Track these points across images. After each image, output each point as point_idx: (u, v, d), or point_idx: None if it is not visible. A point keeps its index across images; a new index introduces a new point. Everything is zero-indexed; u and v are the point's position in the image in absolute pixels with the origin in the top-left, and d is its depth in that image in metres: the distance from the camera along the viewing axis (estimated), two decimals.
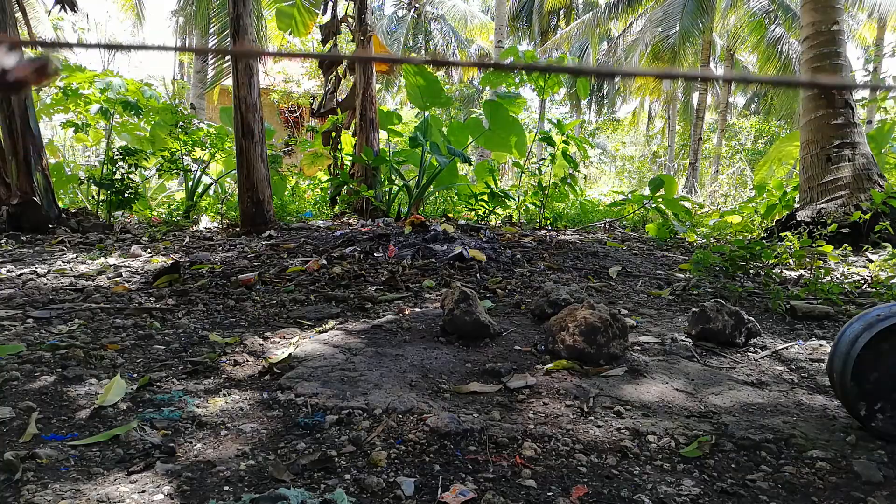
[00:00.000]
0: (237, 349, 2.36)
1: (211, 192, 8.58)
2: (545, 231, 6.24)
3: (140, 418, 1.69)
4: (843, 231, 5.17)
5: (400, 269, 3.92)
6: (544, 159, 8.00)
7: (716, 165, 21.67)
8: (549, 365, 2.17)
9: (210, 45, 11.27)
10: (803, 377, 2.21)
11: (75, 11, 7.48)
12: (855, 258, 4.85)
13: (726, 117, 23.27)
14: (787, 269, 4.33)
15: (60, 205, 6.74)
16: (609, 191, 12.61)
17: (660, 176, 7.00)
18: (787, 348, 2.54)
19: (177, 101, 9.80)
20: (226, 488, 1.35)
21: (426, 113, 7.67)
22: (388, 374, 2.07)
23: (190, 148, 7.80)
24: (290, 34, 8.73)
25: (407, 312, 2.94)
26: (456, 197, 8.61)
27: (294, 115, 18.31)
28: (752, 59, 20.61)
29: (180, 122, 7.63)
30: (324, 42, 8.40)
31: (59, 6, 7.29)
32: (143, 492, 1.31)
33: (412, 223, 4.87)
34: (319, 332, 2.61)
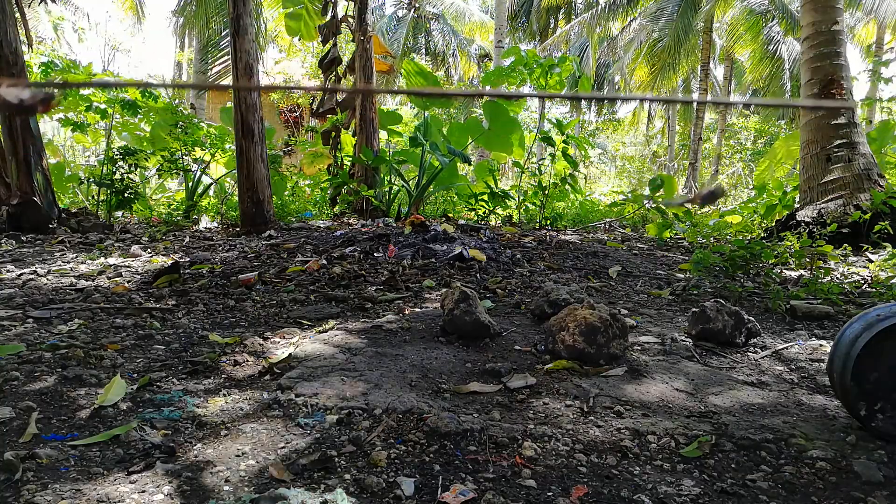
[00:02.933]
0: (237, 349, 2.36)
1: (211, 192, 8.58)
2: (545, 231, 6.24)
3: (140, 418, 1.69)
4: (843, 231, 5.17)
5: (400, 269, 3.92)
6: (544, 159, 8.00)
7: (716, 165, 21.68)
8: (549, 365, 2.17)
9: (209, 45, 11.27)
10: (803, 377, 2.21)
11: (52, 1, 7.46)
12: (855, 258, 4.85)
13: (726, 117, 23.28)
14: (787, 269, 4.33)
15: (60, 205, 6.74)
16: (609, 191, 12.62)
17: (660, 176, 7.00)
18: (787, 348, 2.54)
19: (177, 101, 9.80)
20: (226, 488, 1.35)
21: (426, 113, 7.67)
22: (388, 374, 2.07)
23: (190, 148, 7.80)
24: (298, 39, 8.72)
25: (407, 312, 2.94)
26: (456, 197, 8.61)
27: (294, 115, 18.31)
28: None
29: (180, 122, 7.63)
30: (324, 42, 8.40)
31: None
32: (143, 492, 1.31)
33: (412, 223, 4.87)
34: (319, 332, 2.61)
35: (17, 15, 6.31)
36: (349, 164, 7.97)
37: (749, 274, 4.00)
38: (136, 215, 7.84)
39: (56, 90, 0.60)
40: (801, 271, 4.22)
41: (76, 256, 4.54)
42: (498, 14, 16.68)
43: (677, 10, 17.40)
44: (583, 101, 25.94)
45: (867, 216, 5.09)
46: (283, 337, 2.55)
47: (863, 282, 3.90)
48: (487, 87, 8.27)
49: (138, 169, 7.43)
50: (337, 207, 7.87)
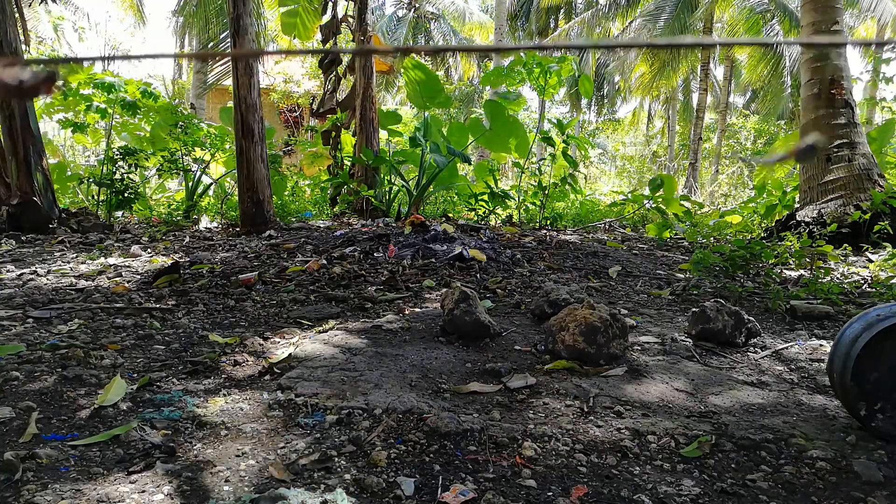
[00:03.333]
0: (237, 349, 2.36)
1: (211, 192, 8.58)
2: (545, 231, 6.25)
3: (140, 418, 1.69)
4: (843, 231, 5.17)
5: (400, 269, 3.92)
6: (544, 159, 8.01)
7: (716, 165, 21.68)
8: (549, 365, 2.17)
9: (210, 46, 11.27)
10: (803, 377, 2.21)
11: (52, 1, 7.46)
12: (855, 258, 4.85)
13: (726, 117, 23.27)
14: (787, 269, 4.33)
15: (60, 205, 6.74)
16: (609, 191, 12.62)
17: (660, 176, 7.00)
18: (787, 348, 2.54)
19: (177, 101, 9.80)
20: (226, 488, 1.35)
21: (426, 113, 7.67)
22: (388, 374, 2.07)
23: (190, 148, 7.80)
24: (294, 38, 8.73)
25: (407, 312, 2.94)
26: (456, 197, 8.61)
27: (294, 115, 18.31)
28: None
29: (180, 122, 7.63)
30: (324, 42, 8.40)
31: None
32: (143, 492, 1.31)
33: (412, 223, 4.87)
34: (319, 332, 2.61)
35: (17, 15, 6.31)
36: (349, 164, 7.97)
37: (749, 274, 4.00)
38: (136, 215, 7.84)
39: (58, 69, 0.57)
40: (801, 271, 4.22)
41: (76, 256, 4.54)
42: (498, 14, 16.68)
43: (674, 9, 17.43)
44: (583, 101, 25.96)
45: (867, 216, 5.09)
46: (283, 337, 2.55)
47: (863, 282, 3.90)
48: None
49: (138, 169, 7.43)
50: (337, 207, 7.87)
